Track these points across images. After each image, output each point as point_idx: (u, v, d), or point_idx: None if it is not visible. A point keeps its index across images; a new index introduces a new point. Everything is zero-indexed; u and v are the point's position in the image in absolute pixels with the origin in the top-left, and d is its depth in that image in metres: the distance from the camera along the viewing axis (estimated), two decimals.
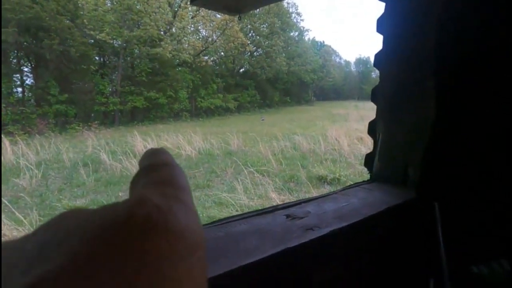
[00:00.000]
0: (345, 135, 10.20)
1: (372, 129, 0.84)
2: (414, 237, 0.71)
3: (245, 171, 6.43)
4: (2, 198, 4.69)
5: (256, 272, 0.39)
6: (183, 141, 9.85)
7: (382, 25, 0.78)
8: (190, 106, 23.70)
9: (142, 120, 19.88)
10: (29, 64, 17.79)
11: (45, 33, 15.90)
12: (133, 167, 7.24)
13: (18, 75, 17.13)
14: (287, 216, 0.51)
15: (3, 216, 4.27)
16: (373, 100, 0.82)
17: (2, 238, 3.90)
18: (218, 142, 9.96)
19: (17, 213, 4.41)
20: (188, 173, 7.04)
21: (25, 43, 16.23)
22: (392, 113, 0.79)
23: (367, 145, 8.58)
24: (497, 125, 0.76)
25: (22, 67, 17.56)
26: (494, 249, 0.77)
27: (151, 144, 9.63)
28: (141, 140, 9.65)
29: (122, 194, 5.87)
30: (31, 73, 17.65)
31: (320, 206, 0.58)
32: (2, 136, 9.22)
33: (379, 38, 0.81)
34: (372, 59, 0.86)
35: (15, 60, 17.11)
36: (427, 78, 0.70)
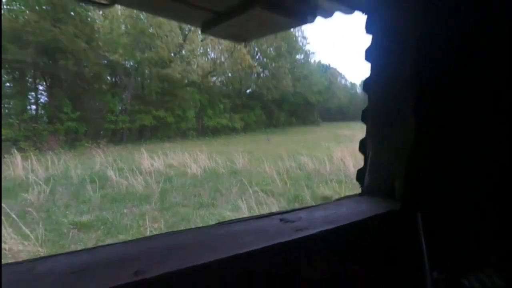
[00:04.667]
0: (350, 156, 10.18)
1: (363, 146, 0.92)
2: (399, 246, 0.75)
3: (250, 190, 6.45)
4: (10, 212, 4.77)
5: (249, 262, 0.45)
6: (189, 159, 9.95)
7: (369, 54, 0.89)
8: (197, 125, 24.08)
9: (150, 138, 20.19)
10: (44, 83, 18.50)
11: (62, 54, 16.65)
12: (139, 184, 7.33)
13: (33, 93, 17.78)
14: (281, 219, 0.58)
15: (10, 230, 4.33)
16: (363, 120, 0.91)
17: (2, 246, 3.92)
18: (224, 161, 10.04)
19: (23, 228, 4.46)
20: (193, 191, 7.08)
21: (41, 63, 16.97)
22: (379, 132, 0.87)
23: None
24: (474, 140, 0.85)
25: (37, 86, 18.24)
26: (476, 259, 0.81)
27: (157, 162, 9.75)
28: (148, 158, 9.79)
29: (127, 211, 5.91)
30: (45, 91, 18.31)
31: (311, 213, 0.64)
32: (15, 151, 9.47)
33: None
34: None
35: (31, 79, 17.82)
36: (407, 102, 0.79)
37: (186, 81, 23.66)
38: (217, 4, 0.93)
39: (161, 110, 20.96)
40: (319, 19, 1.08)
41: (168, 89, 21.95)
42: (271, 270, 0.48)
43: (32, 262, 0.38)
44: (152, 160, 9.85)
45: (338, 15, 1.05)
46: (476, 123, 0.87)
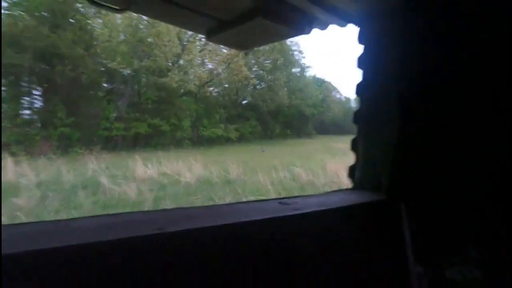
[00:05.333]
0: (344, 169, 10.23)
1: (354, 145, 1.00)
2: (385, 235, 0.81)
3: (243, 200, 6.45)
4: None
5: (250, 229, 0.51)
6: (184, 168, 9.93)
7: (361, 62, 1.00)
8: (192, 135, 24.07)
9: (144, 147, 20.07)
10: (40, 88, 18.40)
11: (59, 59, 16.68)
12: (132, 191, 7.27)
13: (27, 97, 17.64)
14: (279, 202, 0.65)
15: None
16: (355, 121, 1.00)
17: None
18: (218, 171, 10.02)
19: None
20: (186, 200, 7.05)
21: (38, 68, 16.95)
22: (368, 133, 0.96)
23: None
24: (474, 140, 0.90)
25: (32, 90, 18.13)
26: (458, 253, 0.87)
27: (151, 170, 9.70)
28: (141, 165, 9.73)
29: None
30: (40, 96, 18.20)
31: (306, 199, 0.71)
32: (6, 155, 9.35)
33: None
34: None
35: (26, 84, 17.71)
36: (393, 106, 0.88)
37: (182, 90, 23.81)
38: (222, 12, 1.01)
39: (156, 119, 20.95)
40: (315, 31, 1.17)
41: (165, 98, 22.03)
42: (268, 241, 0.54)
43: (66, 220, 0.43)
44: (146, 167, 9.79)
45: (333, 28, 1.14)
46: (476, 123, 0.91)
